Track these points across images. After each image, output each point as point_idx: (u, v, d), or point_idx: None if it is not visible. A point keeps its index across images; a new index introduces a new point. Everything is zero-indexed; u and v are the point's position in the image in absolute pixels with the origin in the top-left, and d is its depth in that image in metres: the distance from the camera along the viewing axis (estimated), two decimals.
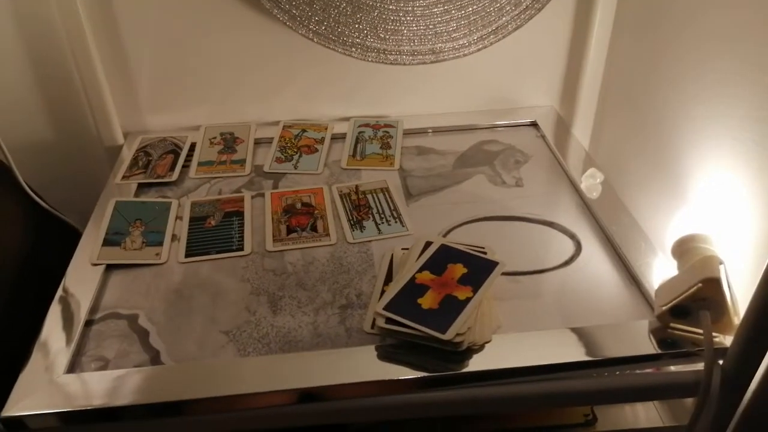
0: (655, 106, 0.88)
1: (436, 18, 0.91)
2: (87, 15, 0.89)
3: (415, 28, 0.91)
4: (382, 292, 0.70)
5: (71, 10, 0.87)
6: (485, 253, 0.70)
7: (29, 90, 0.96)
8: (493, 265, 0.68)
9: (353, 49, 0.92)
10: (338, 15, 0.89)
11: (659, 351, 0.63)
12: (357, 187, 0.89)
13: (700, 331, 0.62)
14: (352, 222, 0.83)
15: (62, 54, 0.93)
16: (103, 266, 0.75)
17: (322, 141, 1.00)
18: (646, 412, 0.79)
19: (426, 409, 0.65)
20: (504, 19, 0.91)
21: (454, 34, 0.92)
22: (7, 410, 0.59)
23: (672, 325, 0.64)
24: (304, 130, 1.02)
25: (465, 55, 0.93)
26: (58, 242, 0.88)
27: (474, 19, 0.91)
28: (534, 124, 1.03)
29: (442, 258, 0.69)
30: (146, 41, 0.95)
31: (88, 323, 0.69)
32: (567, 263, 0.75)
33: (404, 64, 0.94)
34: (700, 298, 0.60)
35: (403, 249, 0.76)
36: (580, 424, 0.73)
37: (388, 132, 1.01)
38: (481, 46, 0.93)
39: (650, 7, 0.89)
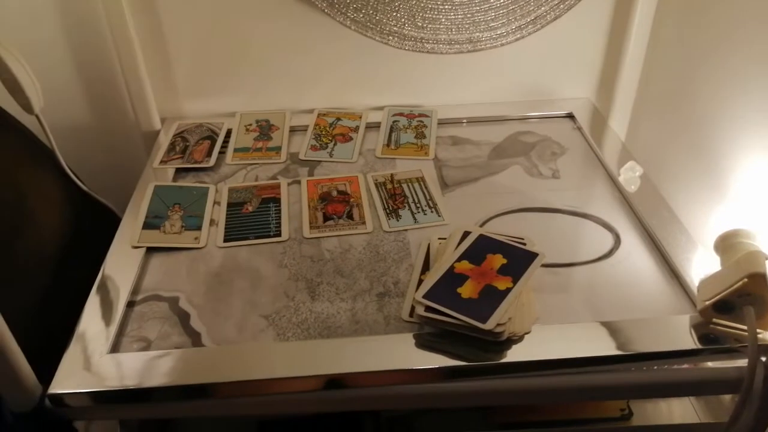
0: (696, 99, 0.87)
1: (475, 7, 0.90)
2: (128, 1, 0.90)
3: (453, 16, 0.90)
4: (420, 281, 0.70)
5: None
6: (524, 244, 0.70)
7: (70, 74, 0.97)
8: (532, 256, 0.68)
9: (390, 37, 0.92)
10: (376, 3, 0.89)
11: (701, 346, 0.63)
12: (392, 176, 0.89)
13: (744, 327, 0.61)
14: (387, 211, 0.83)
15: (103, 39, 0.95)
16: (144, 249, 0.76)
17: (356, 129, 1.00)
18: (682, 408, 0.78)
19: (462, 399, 0.65)
20: (543, 9, 0.90)
21: (492, 24, 0.91)
22: (53, 388, 0.60)
23: (715, 320, 0.63)
24: (338, 119, 1.02)
25: (503, 44, 0.93)
26: (96, 224, 0.89)
27: (513, 9, 0.90)
28: (570, 116, 1.02)
29: (480, 248, 0.69)
30: (185, 27, 0.96)
31: (130, 304, 0.70)
32: (606, 256, 0.74)
33: (441, 53, 0.93)
34: (745, 293, 0.60)
35: (439, 239, 0.76)
36: (616, 418, 0.73)
37: (422, 121, 1.01)
38: (519, 35, 0.92)
39: None
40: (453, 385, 0.62)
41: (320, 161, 0.93)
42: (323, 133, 0.99)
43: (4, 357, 0.56)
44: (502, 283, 0.64)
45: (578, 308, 0.68)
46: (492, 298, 0.62)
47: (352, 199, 0.85)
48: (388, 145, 0.96)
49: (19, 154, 0.80)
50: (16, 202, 0.76)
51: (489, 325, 0.59)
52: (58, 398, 0.60)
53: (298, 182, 0.88)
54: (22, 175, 0.79)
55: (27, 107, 0.78)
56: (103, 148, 1.04)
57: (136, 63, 0.94)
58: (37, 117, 0.80)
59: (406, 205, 0.84)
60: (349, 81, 1.03)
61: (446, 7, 0.89)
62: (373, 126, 1.01)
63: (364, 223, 0.81)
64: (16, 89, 0.75)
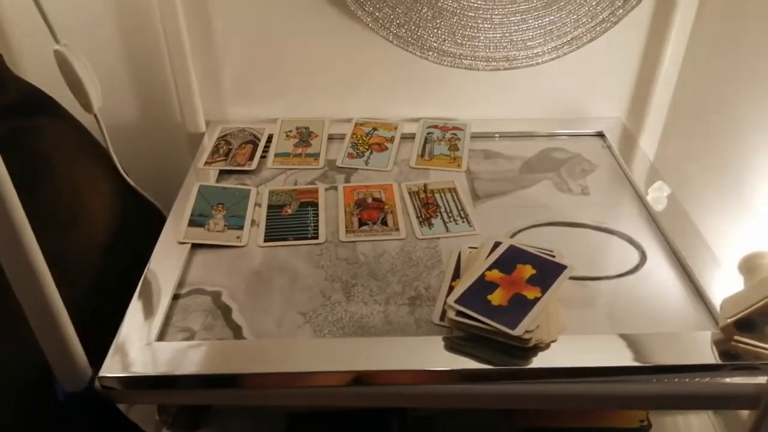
0: (726, 123, 0.89)
1: (513, 26, 0.93)
2: (183, 8, 0.95)
3: (492, 35, 0.94)
4: (450, 287, 0.73)
5: (169, 2, 0.93)
6: (554, 256, 0.73)
7: (124, 76, 1.03)
8: (561, 268, 0.70)
9: (430, 52, 0.95)
10: (419, 19, 0.92)
11: (721, 362, 0.65)
12: (425, 186, 0.93)
13: (765, 345, 0.63)
14: (420, 219, 0.86)
15: (157, 44, 1.00)
16: (188, 245, 0.80)
17: (391, 140, 1.03)
18: (700, 423, 0.80)
19: (487, 401, 0.68)
20: (579, 30, 0.93)
21: (529, 43, 0.94)
22: (104, 371, 0.64)
23: (736, 338, 0.65)
24: (375, 129, 1.06)
25: (538, 63, 0.96)
26: (141, 218, 0.94)
27: (550, 29, 0.93)
28: (600, 135, 1.04)
29: (511, 258, 0.72)
30: (235, 36, 1.00)
31: (175, 297, 0.74)
32: (631, 272, 0.77)
33: (478, 69, 0.97)
34: (767, 312, 0.62)
35: (470, 247, 0.79)
36: (635, 429, 0.75)
37: (456, 134, 1.04)
38: (554, 55, 0.95)
39: (728, 23, 0.90)
40: (478, 387, 0.65)
41: (356, 169, 0.97)
42: (360, 142, 1.03)
43: (61, 340, 0.60)
44: (531, 293, 0.67)
45: (602, 321, 0.70)
46: (521, 306, 0.65)
47: (386, 207, 0.88)
48: (422, 156, 1.00)
49: (76, 150, 0.84)
50: (72, 194, 0.80)
51: (518, 331, 0.62)
52: (107, 381, 0.64)
53: (335, 188, 0.92)
54: (77, 169, 0.83)
55: (87, 107, 0.82)
56: (149, 147, 1.09)
57: (186, 68, 0.99)
58: (95, 116, 0.85)
59: (438, 214, 0.87)
60: (386, 93, 1.07)
61: (486, 26, 0.93)
62: (408, 137, 1.04)
63: (397, 229, 0.84)
64: (79, 90, 0.80)
